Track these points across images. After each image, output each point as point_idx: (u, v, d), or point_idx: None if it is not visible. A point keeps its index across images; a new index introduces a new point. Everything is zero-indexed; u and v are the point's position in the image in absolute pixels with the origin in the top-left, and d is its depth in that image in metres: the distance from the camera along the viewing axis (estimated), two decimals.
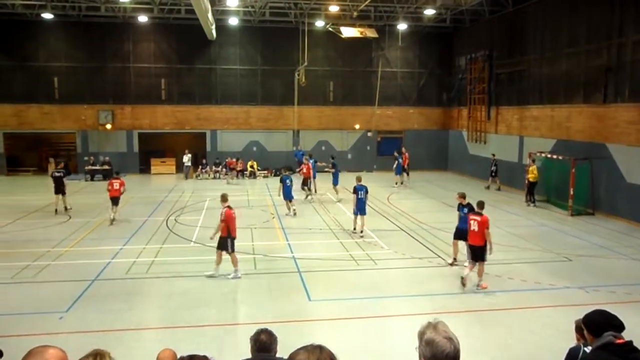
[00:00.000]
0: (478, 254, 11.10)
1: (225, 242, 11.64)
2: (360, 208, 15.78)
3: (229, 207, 11.80)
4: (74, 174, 30.17)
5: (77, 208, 19.91)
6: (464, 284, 11.13)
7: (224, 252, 11.74)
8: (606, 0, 19.21)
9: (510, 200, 22.28)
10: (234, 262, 11.75)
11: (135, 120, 31.10)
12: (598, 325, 3.86)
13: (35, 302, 10.21)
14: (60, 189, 18.98)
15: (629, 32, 18.13)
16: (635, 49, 17.88)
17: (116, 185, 17.54)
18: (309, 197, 22.54)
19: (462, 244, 12.47)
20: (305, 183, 22.73)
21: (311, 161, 23.31)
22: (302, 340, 2.70)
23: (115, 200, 17.52)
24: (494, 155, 26.03)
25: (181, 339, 8.59)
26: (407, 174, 27.39)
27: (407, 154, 27.61)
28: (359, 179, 16.43)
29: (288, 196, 18.97)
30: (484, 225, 11.00)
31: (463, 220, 12.42)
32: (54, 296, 10.50)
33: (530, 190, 21.22)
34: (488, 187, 25.25)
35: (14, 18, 28.62)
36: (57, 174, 19.13)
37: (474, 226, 11.12)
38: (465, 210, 12.46)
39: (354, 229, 16.28)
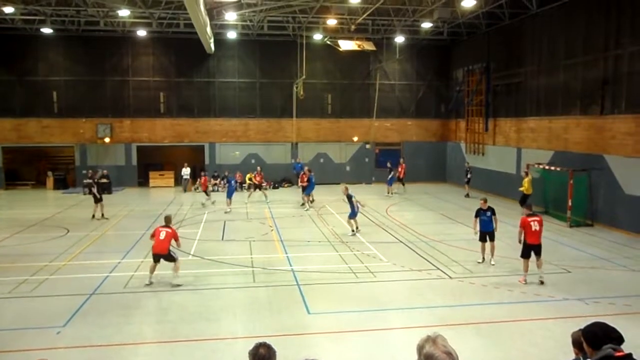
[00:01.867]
0: (540, 250, 12.10)
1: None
2: (354, 212, 17.84)
3: (163, 225, 12.59)
4: (72, 187, 30.27)
5: (74, 222, 19.93)
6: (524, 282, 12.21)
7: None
8: (603, 12, 19.38)
9: (508, 211, 22.19)
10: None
11: (134, 133, 31.18)
12: (597, 338, 3.83)
13: (33, 316, 10.14)
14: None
15: (625, 43, 18.26)
16: (631, 61, 18.00)
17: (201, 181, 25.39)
18: (305, 206, 23.67)
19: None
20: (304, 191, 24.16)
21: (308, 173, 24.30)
22: (301, 354, 2.70)
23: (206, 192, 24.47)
24: (468, 163, 27.74)
25: (179, 353, 8.54)
26: (403, 184, 28.51)
27: (404, 164, 28.49)
28: (346, 189, 18.38)
29: (229, 195, 22.17)
30: (541, 224, 12.10)
31: (485, 224, 13.65)
32: (52, 311, 10.44)
33: (522, 202, 20.99)
34: (467, 195, 26.48)
35: (13, 33, 28.77)
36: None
37: (535, 227, 12.00)
38: (488, 214, 13.61)
39: (353, 229, 17.70)
